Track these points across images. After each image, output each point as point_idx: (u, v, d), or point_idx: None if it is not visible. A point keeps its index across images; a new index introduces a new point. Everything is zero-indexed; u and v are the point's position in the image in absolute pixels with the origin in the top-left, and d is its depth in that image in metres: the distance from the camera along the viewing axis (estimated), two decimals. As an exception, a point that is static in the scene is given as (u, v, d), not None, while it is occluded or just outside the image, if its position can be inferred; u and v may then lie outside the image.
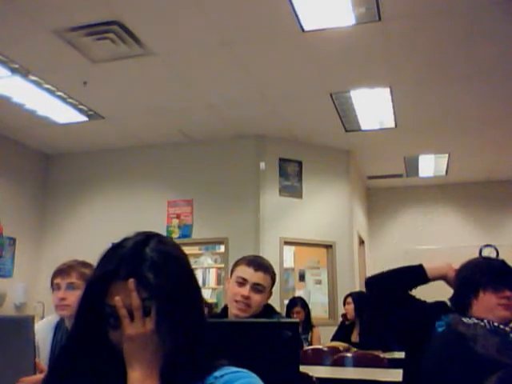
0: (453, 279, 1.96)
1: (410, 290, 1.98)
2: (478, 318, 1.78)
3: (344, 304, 5.17)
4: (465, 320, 1.78)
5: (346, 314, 5.11)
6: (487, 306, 1.80)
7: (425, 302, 1.99)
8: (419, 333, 1.87)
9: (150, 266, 0.92)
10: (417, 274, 1.98)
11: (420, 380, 1.77)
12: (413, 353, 1.93)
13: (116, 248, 0.97)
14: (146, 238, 0.98)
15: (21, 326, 1.69)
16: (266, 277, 2.16)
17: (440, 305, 1.97)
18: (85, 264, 2.22)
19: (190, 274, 1.00)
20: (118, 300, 0.89)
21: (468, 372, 1.62)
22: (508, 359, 1.58)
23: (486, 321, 1.75)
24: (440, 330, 1.81)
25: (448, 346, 1.75)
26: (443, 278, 1.99)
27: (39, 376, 1.50)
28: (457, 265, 2.01)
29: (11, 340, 1.64)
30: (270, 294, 2.24)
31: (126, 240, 0.98)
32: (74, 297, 2.11)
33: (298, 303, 5.33)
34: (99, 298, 0.92)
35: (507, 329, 1.73)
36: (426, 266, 2.00)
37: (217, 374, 0.93)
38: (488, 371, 1.50)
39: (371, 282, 2.05)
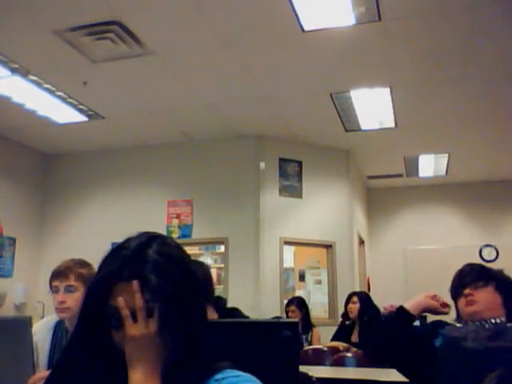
0: (435, 307, 1.98)
1: (404, 332, 1.97)
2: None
3: (347, 302, 5.11)
4: (458, 324, 1.89)
5: (349, 312, 5.05)
6: (460, 310, 1.95)
7: (416, 326, 2.05)
8: (419, 356, 1.93)
9: (153, 268, 0.92)
10: (403, 318, 1.97)
11: None
12: (416, 374, 1.99)
13: (119, 249, 0.97)
14: (149, 239, 0.98)
15: (18, 326, 1.69)
16: None
17: (437, 323, 2.02)
18: (82, 264, 2.21)
19: (192, 275, 1.00)
20: (120, 300, 0.90)
21: (465, 369, 1.67)
22: (502, 343, 1.66)
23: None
24: (437, 344, 1.90)
25: (444, 354, 1.82)
26: (427, 310, 1.99)
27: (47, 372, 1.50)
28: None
29: (9, 341, 1.64)
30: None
31: (128, 241, 0.98)
32: (73, 299, 2.11)
33: (293, 302, 5.32)
34: (102, 299, 0.93)
35: (498, 321, 1.82)
36: (406, 305, 2.00)
37: (218, 376, 0.93)
38: (482, 362, 1.58)
39: (370, 341, 2.14)
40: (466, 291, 1.92)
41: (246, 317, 2.33)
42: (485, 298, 1.89)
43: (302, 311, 5.23)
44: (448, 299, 2.07)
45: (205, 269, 2.19)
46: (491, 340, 1.70)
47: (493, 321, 1.82)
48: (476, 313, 1.87)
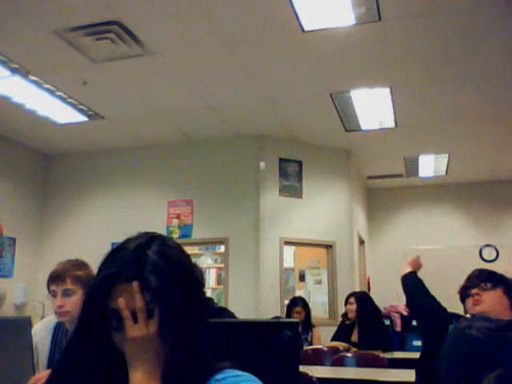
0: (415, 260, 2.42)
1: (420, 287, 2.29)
2: None
3: (346, 303, 5.14)
4: (467, 316, 1.97)
5: (347, 313, 5.09)
6: (468, 311, 2.04)
7: (444, 311, 2.23)
8: (437, 331, 2.06)
9: (152, 269, 0.92)
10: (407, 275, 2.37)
11: (434, 379, 1.90)
12: (429, 351, 2.17)
13: (118, 250, 0.97)
14: (149, 239, 0.98)
15: (18, 327, 1.69)
16: None
17: (455, 315, 2.14)
18: (79, 265, 2.19)
19: (192, 276, 0.99)
20: (121, 301, 0.90)
21: (466, 357, 1.72)
22: (501, 334, 1.68)
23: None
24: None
25: (450, 341, 1.85)
26: (415, 265, 2.42)
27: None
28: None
29: (9, 341, 1.64)
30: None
31: (128, 241, 0.98)
32: (71, 303, 2.10)
33: (298, 303, 5.33)
34: (102, 300, 0.93)
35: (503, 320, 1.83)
36: (402, 273, 2.42)
37: (218, 376, 0.93)
38: (482, 350, 1.61)
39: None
40: (474, 291, 1.98)
41: (234, 315, 2.36)
42: (492, 299, 1.94)
43: (305, 311, 5.25)
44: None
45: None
46: (495, 331, 1.75)
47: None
48: (482, 313, 1.90)
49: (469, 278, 2.09)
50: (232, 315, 2.34)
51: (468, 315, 1.97)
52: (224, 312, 2.33)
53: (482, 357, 1.57)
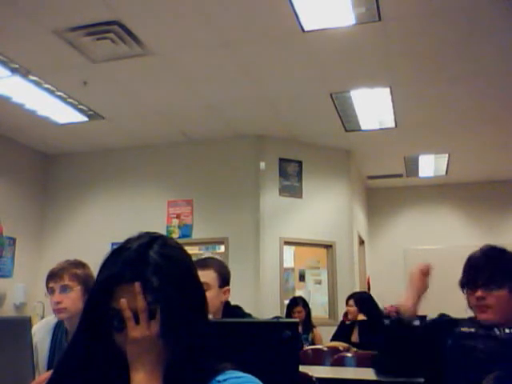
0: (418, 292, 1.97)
1: (408, 337, 1.86)
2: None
3: (347, 304, 5.10)
4: (470, 329, 1.81)
5: (348, 313, 5.06)
6: (472, 306, 1.83)
7: (417, 328, 1.89)
8: (432, 355, 1.84)
9: (154, 269, 0.92)
10: (403, 324, 1.88)
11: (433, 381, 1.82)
12: (432, 373, 1.89)
13: (120, 250, 0.97)
14: (150, 240, 0.98)
15: (18, 327, 1.69)
16: (205, 273, 2.14)
17: (444, 320, 1.95)
18: (77, 264, 2.20)
19: (193, 276, 1.00)
20: (123, 302, 0.90)
21: (467, 357, 1.67)
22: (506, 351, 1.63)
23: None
24: (449, 343, 1.81)
25: (449, 343, 1.79)
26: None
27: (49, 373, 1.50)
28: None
29: (9, 341, 1.64)
30: (226, 290, 2.26)
31: (129, 242, 0.98)
32: (68, 299, 2.11)
33: (299, 303, 5.32)
34: (104, 301, 0.93)
35: (507, 331, 1.74)
36: (401, 308, 1.93)
37: (220, 378, 0.93)
38: (481, 350, 1.60)
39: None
40: (478, 294, 1.78)
41: (248, 314, 2.34)
42: (499, 304, 1.76)
43: (306, 310, 5.25)
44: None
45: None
46: (498, 348, 1.67)
47: (507, 330, 1.73)
48: (489, 320, 1.77)
49: (474, 270, 1.84)
50: (245, 313, 2.32)
51: (472, 329, 1.81)
52: (237, 310, 2.32)
53: (481, 358, 1.55)
